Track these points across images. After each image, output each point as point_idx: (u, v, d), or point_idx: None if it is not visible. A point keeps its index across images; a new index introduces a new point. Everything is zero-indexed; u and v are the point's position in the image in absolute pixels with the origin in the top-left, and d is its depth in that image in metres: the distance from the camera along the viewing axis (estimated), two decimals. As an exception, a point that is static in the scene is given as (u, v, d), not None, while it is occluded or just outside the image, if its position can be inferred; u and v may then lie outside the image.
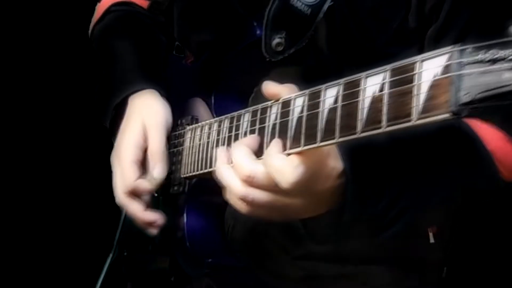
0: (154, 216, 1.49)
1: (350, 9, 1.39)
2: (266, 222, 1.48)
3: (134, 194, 1.50)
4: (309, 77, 1.16)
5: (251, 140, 1.23)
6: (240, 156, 1.17)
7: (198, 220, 1.53)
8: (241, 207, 1.20)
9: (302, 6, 1.37)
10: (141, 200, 1.50)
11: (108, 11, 1.79)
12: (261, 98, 1.28)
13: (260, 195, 1.15)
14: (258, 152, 1.20)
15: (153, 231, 1.51)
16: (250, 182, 1.14)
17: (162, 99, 1.58)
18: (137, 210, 1.50)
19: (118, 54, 1.70)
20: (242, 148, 1.19)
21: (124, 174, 1.50)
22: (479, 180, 1.37)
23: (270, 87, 1.20)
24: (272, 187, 1.12)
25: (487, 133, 1.28)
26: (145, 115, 1.53)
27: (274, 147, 1.14)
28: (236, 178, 1.17)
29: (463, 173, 1.34)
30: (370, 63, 0.98)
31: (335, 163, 1.16)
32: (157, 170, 1.49)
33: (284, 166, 1.09)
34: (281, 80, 1.37)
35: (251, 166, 1.14)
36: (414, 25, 1.39)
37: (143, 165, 1.52)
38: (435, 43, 1.36)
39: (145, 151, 1.52)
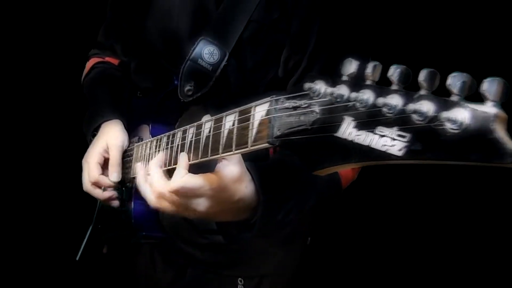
0: (110, 194, 1.42)
1: (238, 68, 1.31)
2: None
3: (97, 185, 1.42)
4: (213, 111, 1.06)
5: (161, 157, 1.13)
6: (155, 177, 1.06)
7: (141, 205, 1.43)
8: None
9: (206, 65, 1.29)
10: (101, 188, 1.43)
11: (93, 67, 1.71)
12: (183, 126, 1.17)
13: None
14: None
15: (115, 204, 1.44)
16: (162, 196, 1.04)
17: (122, 127, 1.49)
18: (99, 193, 1.42)
19: (98, 96, 1.61)
20: (156, 171, 1.08)
21: (90, 171, 1.41)
22: (331, 192, 1.29)
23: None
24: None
25: None
26: (109, 137, 1.45)
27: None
28: (151, 193, 1.07)
29: (325, 190, 1.26)
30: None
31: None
32: (114, 176, 1.40)
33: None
34: (197, 114, 1.30)
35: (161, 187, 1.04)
36: (281, 75, 1.32)
37: (102, 168, 1.44)
38: (292, 87, 1.28)
39: (105, 160, 1.44)
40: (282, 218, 1.13)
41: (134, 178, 1.44)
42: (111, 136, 1.44)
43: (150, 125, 1.42)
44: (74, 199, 2.51)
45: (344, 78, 0.68)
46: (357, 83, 0.65)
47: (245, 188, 1.01)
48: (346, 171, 1.30)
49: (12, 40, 2.72)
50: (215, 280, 1.49)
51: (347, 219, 2.64)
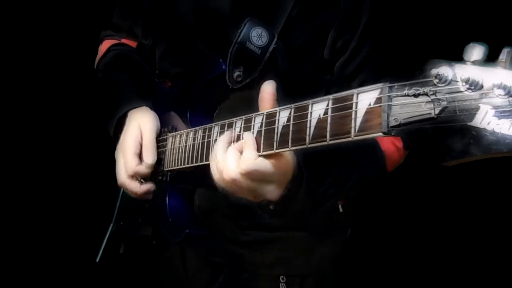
0: (148, 186, 1.45)
1: (286, 50, 1.34)
2: (221, 203, 1.45)
3: (134, 176, 1.43)
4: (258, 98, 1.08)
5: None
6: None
7: (176, 201, 1.46)
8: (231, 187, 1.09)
9: (254, 48, 1.31)
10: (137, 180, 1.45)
11: (108, 50, 1.70)
12: (223, 114, 1.22)
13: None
14: None
15: (149, 197, 1.48)
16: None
17: (153, 112, 1.50)
18: (137, 186, 1.44)
19: (119, 82, 1.60)
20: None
21: (127, 163, 1.42)
22: (375, 171, 1.36)
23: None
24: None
25: (382, 138, 1.27)
26: (141, 121, 1.46)
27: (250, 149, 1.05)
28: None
29: (368, 167, 1.33)
30: (300, 88, 0.92)
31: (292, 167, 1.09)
32: (148, 157, 1.42)
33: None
34: (240, 101, 1.33)
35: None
36: (328, 57, 1.36)
37: (140, 157, 1.45)
38: (341, 71, 1.36)
39: (141, 149, 1.45)
40: (323, 192, 1.20)
41: (168, 171, 1.45)
42: (143, 120, 1.46)
43: (188, 113, 1.43)
44: (89, 196, 2.54)
45: (469, 64, 0.70)
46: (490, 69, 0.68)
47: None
48: (391, 152, 1.36)
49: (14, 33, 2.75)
50: (253, 280, 1.52)
51: (390, 210, 2.64)
